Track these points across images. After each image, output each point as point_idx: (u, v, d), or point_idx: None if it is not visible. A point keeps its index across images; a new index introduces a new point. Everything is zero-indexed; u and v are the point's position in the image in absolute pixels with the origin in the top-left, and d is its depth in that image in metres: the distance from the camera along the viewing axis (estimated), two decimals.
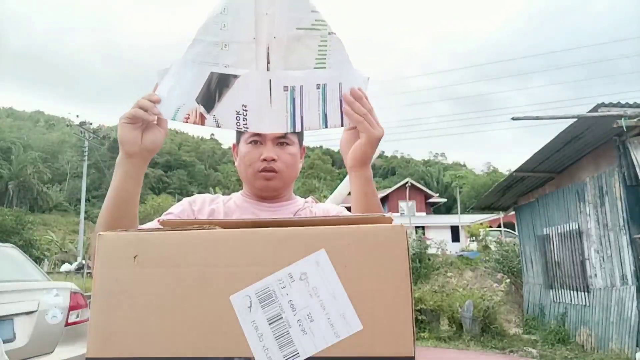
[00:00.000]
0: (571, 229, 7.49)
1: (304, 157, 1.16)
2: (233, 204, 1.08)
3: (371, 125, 0.91)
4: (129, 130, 0.87)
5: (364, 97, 0.92)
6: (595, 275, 6.78)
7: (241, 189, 1.15)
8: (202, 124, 0.90)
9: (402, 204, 29.10)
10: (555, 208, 8.15)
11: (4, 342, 2.64)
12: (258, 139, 1.03)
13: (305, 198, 1.15)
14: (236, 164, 1.12)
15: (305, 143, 1.17)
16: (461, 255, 16.69)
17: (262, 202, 1.08)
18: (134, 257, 0.60)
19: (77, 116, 30.86)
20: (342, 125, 0.93)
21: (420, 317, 8.38)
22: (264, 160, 1.02)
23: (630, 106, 5.64)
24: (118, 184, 0.89)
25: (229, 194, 1.17)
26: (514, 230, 15.10)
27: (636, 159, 5.51)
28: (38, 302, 3.06)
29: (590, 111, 5.60)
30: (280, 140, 1.04)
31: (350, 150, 0.96)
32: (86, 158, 27.25)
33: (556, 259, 8.15)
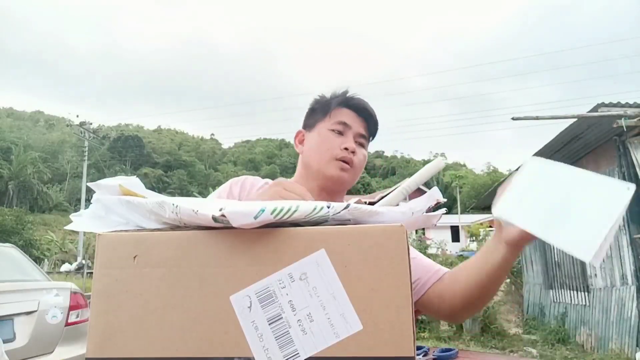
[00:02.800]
0: None
1: None
2: None
3: None
4: None
5: None
6: (595, 275, 6.78)
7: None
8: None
9: (402, 204, 28.99)
10: None
11: (4, 342, 2.64)
12: (342, 129, 1.03)
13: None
14: (301, 149, 1.09)
15: None
16: (461, 255, 16.70)
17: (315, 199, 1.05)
18: (134, 257, 0.60)
19: (77, 116, 30.92)
20: None
21: (420, 317, 8.38)
22: (345, 149, 1.01)
23: (630, 106, 5.63)
24: None
25: None
26: None
27: (636, 159, 5.51)
28: (38, 302, 3.06)
29: (590, 111, 5.59)
30: (360, 140, 1.05)
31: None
32: (86, 158, 27.25)
33: (556, 259, 8.15)
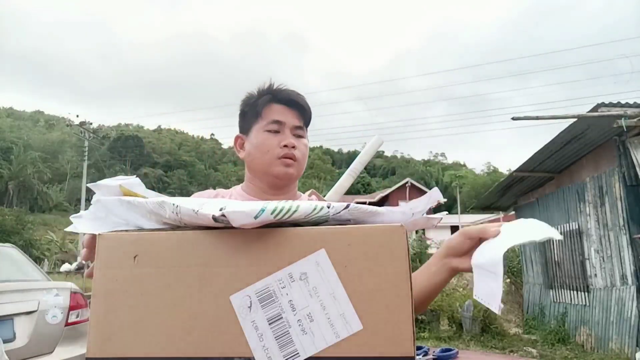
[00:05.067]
0: (571, 229, 7.49)
1: None
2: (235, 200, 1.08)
3: None
4: None
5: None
6: (595, 275, 6.78)
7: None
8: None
9: (402, 204, 29.02)
10: (555, 208, 8.15)
11: (4, 342, 2.64)
12: (277, 128, 1.04)
13: (307, 194, 1.15)
14: (243, 155, 1.10)
15: None
16: None
17: (267, 196, 1.06)
18: (134, 257, 0.60)
19: (77, 116, 30.86)
20: None
21: (420, 317, 8.38)
22: (285, 146, 1.02)
23: (630, 106, 5.63)
24: None
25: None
26: None
27: (636, 159, 5.51)
28: (38, 302, 3.06)
29: (590, 111, 5.59)
30: (297, 132, 1.06)
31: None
32: (86, 158, 27.24)
33: (556, 259, 8.15)
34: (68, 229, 0.70)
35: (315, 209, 0.60)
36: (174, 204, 0.62)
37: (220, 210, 0.58)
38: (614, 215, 6.24)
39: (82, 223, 0.70)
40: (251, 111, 1.08)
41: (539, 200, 8.83)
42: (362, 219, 0.64)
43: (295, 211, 0.59)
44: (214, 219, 0.59)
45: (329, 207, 0.61)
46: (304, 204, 0.60)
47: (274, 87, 1.08)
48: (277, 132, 1.04)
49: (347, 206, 0.62)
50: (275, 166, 1.03)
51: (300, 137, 1.06)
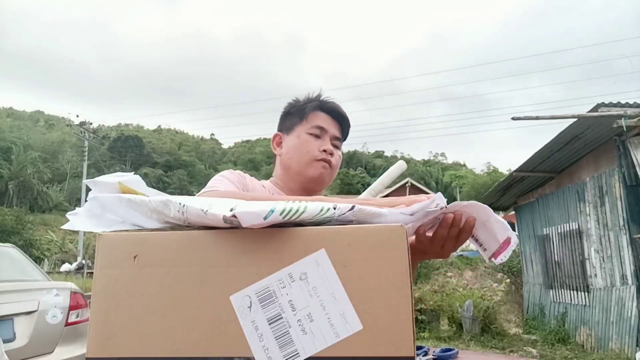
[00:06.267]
0: (571, 228, 7.49)
1: None
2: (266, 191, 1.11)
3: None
4: None
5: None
6: (595, 275, 6.78)
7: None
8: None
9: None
10: (555, 208, 8.15)
11: (4, 342, 2.64)
12: (319, 133, 1.10)
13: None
14: (279, 152, 1.15)
15: None
16: (461, 255, 16.67)
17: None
18: (134, 257, 0.60)
19: (77, 116, 30.89)
20: None
21: (420, 317, 8.39)
22: (324, 151, 1.08)
23: (630, 106, 5.64)
24: None
25: None
26: (514, 230, 15.06)
27: (636, 159, 5.51)
28: (38, 302, 3.06)
29: (590, 111, 5.59)
30: (336, 143, 1.12)
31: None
32: (86, 158, 27.24)
33: (556, 259, 8.15)
34: (64, 227, 0.70)
35: (322, 210, 0.60)
36: (180, 203, 0.61)
37: (231, 210, 0.58)
38: (614, 215, 6.24)
39: (78, 220, 0.69)
40: (297, 113, 1.13)
41: (539, 200, 8.83)
42: (365, 220, 0.64)
43: (303, 212, 0.59)
44: (224, 219, 0.58)
45: (335, 209, 0.61)
46: (312, 205, 0.60)
47: (322, 96, 1.14)
48: (318, 137, 1.10)
49: (352, 207, 0.61)
50: (311, 167, 1.08)
51: (337, 147, 1.12)
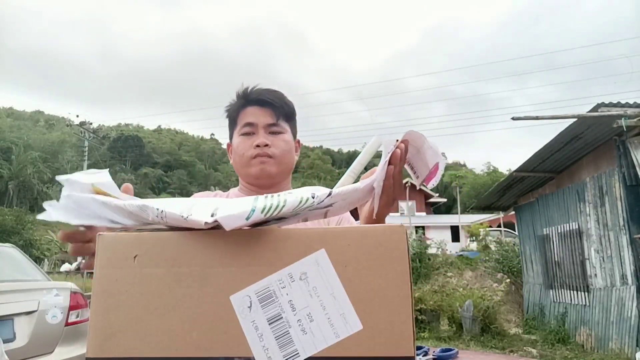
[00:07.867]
0: (571, 228, 7.49)
1: (299, 150, 1.18)
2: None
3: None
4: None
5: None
6: (595, 275, 6.78)
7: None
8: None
9: (402, 204, 29.09)
10: (555, 208, 8.15)
11: (4, 342, 2.64)
12: (250, 130, 1.06)
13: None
14: (231, 161, 1.14)
15: (306, 143, 1.19)
16: (461, 255, 16.67)
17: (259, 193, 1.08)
18: (134, 257, 0.60)
19: (77, 116, 30.97)
20: None
21: (420, 317, 8.39)
22: (257, 146, 1.04)
23: (630, 106, 5.64)
24: None
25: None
26: (514, 230, 15.10)
27: (636, 159, 5.51)
28: (38, 302, 3.06)
29: (590, 111, 5.60)
30: (273, 129, 1.07)
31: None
32: (86, 158, 27.28)
33: (556, 259, 8.15)
34: (40, 217, 0.66)
35: (301, 200, 0.61)
36: (158, 209, 0.60)
37: (212, 216, 0.58)
38: (614, 215, 6.25)
39: (55, 212, 0.66)
40: (230, 118, 1.11)
41: (539, 200, 8.83)
42: (345, 199, 0.65)
43: (283, 206, 0.60)
44: (206, 225, 0.58)
45: (313, 197, 0.61)
46: (290, 198, 0.61)
47: (248, 90, 1.09)
48: (251, 134, 1.06)
49: (330, 193, 0.62)
50: (251, 166, 1.06)
51: (277, 133, 1.07)
